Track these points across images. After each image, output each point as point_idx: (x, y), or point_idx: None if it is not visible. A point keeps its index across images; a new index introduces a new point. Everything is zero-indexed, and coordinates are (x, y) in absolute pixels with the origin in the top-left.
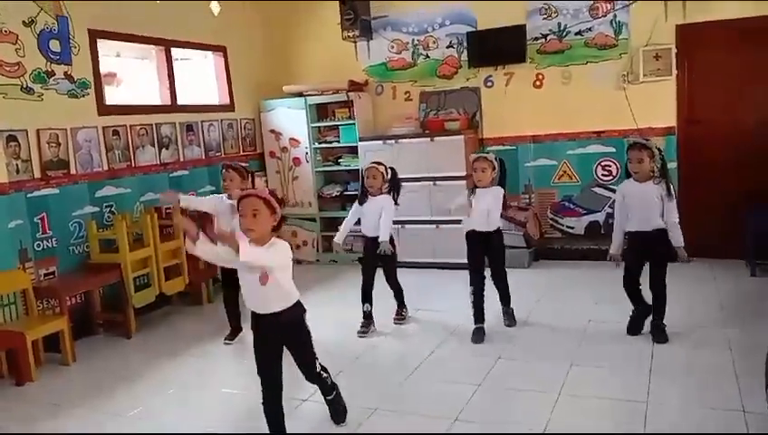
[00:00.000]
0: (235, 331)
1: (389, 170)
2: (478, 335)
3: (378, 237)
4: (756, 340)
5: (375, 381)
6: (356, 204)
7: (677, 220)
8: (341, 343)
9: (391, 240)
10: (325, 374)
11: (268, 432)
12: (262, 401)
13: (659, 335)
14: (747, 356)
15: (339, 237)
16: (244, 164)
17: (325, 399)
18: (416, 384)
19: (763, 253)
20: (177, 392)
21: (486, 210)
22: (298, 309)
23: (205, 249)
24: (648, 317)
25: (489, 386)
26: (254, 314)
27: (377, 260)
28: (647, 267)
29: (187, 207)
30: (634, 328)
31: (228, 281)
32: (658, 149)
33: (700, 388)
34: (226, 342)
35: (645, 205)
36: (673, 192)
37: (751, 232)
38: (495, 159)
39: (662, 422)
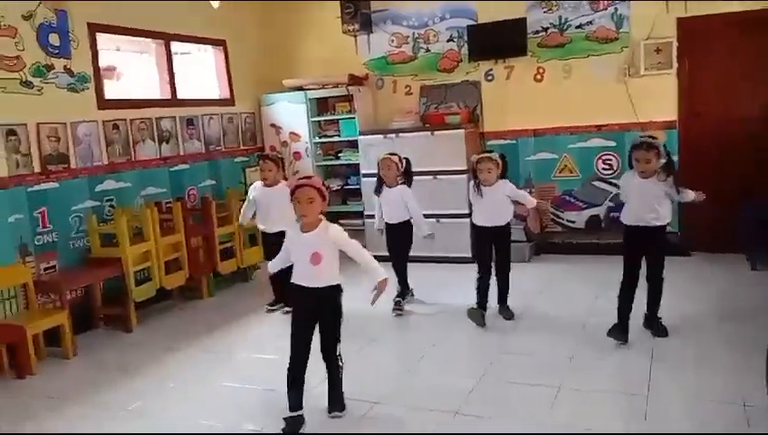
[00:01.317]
0: (279, 299)
1: (404, 160)
2: (478, 316)
3: (397, 223)
4: (756, 334)
5: (376, 374)
6: (376, 197)
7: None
8: (344, 334)
9: (409, 225)
10: (340, 363)
11: (266, 433)
12: (288, 367)
13: (659, 330)
14: (747, 350)
15: (378, 225)
16: (278, 154)
17: (331, 383)
18: (416, 377)
19: (764, 247)
20: (178, 387)
21: (501, 204)
22: (338, 288)
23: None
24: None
25: (490, 379)
26: (299, 287)
27: (402, 243)
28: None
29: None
30: (622, 332)
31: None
32: (664, 146)
33: (700, 381)
34: (269, 309)
35: (645, 200)
36: (679, 187)
37: (751, 226)
38: (499, 156)
39: (662, 415)
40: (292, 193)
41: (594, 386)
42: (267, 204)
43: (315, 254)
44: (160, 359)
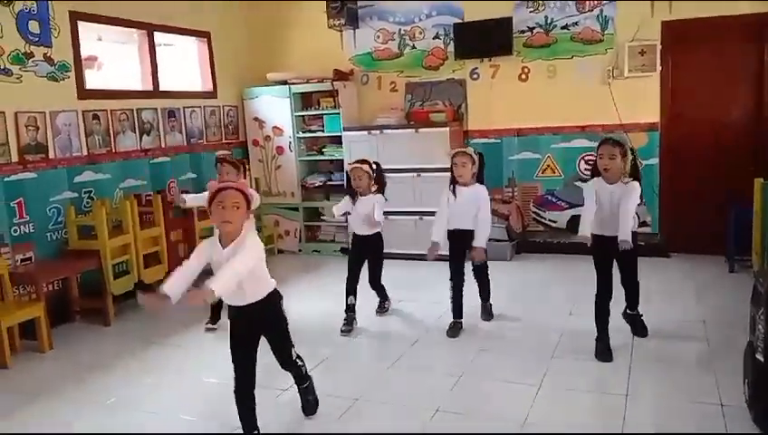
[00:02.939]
0: (215, 315)
1: (374, 166)
2: (455, 330)
3: (368, 235)
4: (734, 335)
5: (356, 372)
6: (349, 200)
7: (632, 213)
8: (323, 333)
9: (380, 238)
10: (300, 363)
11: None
12: (234, 389)
13: (639, 329)
14: (725, 351)
15: (338, 211)
16: (238, 158)
17: (299, 388)
18: (397, 375)
19: (743, 249)
20: (155, 381)
21: (473, 210)
22: (274, 297)
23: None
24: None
25: (469, 378)
26: (230, 307)
27: (364, 256)
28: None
29: (193, 204)
30: (606, 353)
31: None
32: (631, 149)
33: (679, 381)
34: (208, 326)
35: (613, 210)
36: (640, 197)
37: (731, 228)
38: (475, 152)
39: (641, 415)
40: (214, 197)
41: (574, 385)
42: None
43: None
44: (138, 353)
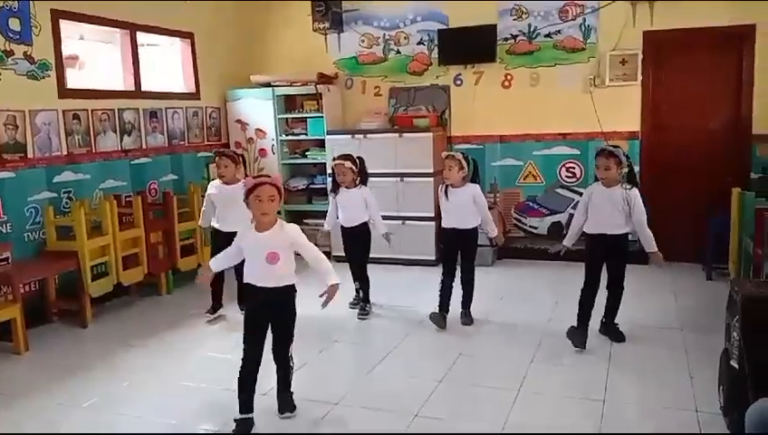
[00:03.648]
0: (217, 306)
1: (357, 161)
2: (438, 319)
3: (355, 226)
4: (711, 342)
5: (337, 375)
6: (332, 197)
7: (645, 223)
8: (305, 336)
9: (366, 228)
10: (292, 362)
11: (222, 433)
12: (240, 368)
13: (617, 335)
14: (702, 358)
15: (327, 226)
16: (237, 151)
17: (281, 384)
18: (378, 379)
19: (720, 257)
20: (133, 384)
21: (467, 209)
22: (292, 290)
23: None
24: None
25: (450, 382)
26: (254, 287)
27: (358, 247)
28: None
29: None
30: (581, 338)
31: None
32: (626, 156)
33: (656, 387)
34: (209, 319)
35: (610, 209)
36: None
37: (709, 237)
38: (465, 158)
39: (618, 420)
40: (251, 190)
41: (553, 390)
42: (224, 202)
43: (272, 253)
44: (115, 355)
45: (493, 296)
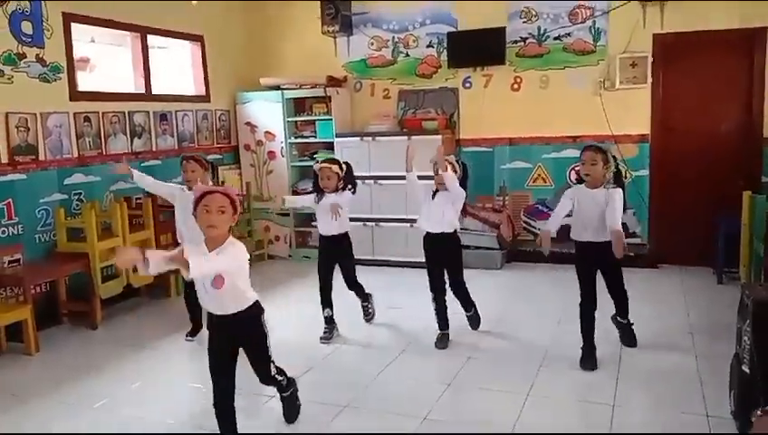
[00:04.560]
0: (197, 327)
1: (344, 166)
2: (443, 341)
3: (336, 235)
4: (721, 347)
5: (344, 379)
6: (312, 199)
7: (619, 211)
8: (312, 339)
9: (348, 237)
10: (281, 377)
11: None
12: (213, 402)
13: (629, 339)
14: (712, 362)
15: (290, 199)
16: (206, 156)
17: (281, 396)
18: (385, 382)
19: (731, 261)
20: (143, 386)
21: (441, 211)
22: (255, 310)
23: (159, 267)
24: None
25: (458, 386)
26: (209, 315)
27: (334, 260)
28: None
29: (139, 183)
30: (591, 362)
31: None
32: (614, 157)
33: (665, 392)
34: (188, 338)
35: (597, 215)
36: (623, 201)
37: (719, 240)
38: (458, 162)
39: (627, 425)
40: (199, 200)
41: (561, 394)
42: (185, 207)
43: (217, 278)
44: (125, 357)
45: (501, 300)
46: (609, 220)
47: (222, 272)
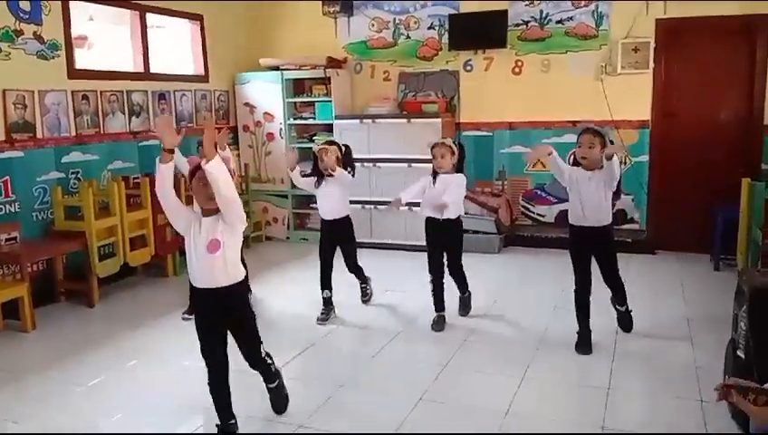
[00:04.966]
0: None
1: (343, 148)
2: (439, 324)
3: (337, 219)
4: (717, 333)
5: (341, 360)
6: (315, 183)
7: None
8: (309, 321)
9: (349, 220)
10: (269, 360)
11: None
12: (207, 380)
13: (626, 323)
14: (708, 349)
15: (294, 175)
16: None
17: (267, 386)
18: (381, 364)
19: (728, 248)
20: (138, 364)
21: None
22: (242, 287)
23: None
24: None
25: (454, 368)
26: (197, 291)
27: (335, 243)
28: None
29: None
30: (586, 346)
31: None
32: (611, 142)
33: (660, 377)
34: (185, 316)
35: (595, 199)
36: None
37: (717, 227)
38: (455, 143)
39: (621, 409)
40: (194, 172)
41: (557, 378)
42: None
43: (214, 241)
44: (121, 336)
45: (499, 284)
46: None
47: (218, 235)
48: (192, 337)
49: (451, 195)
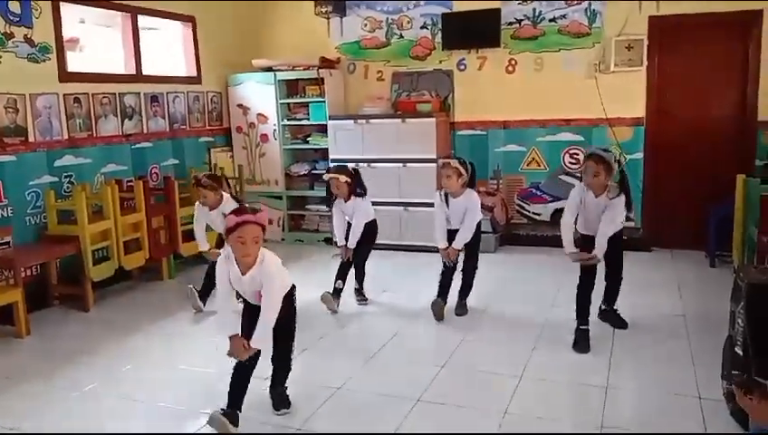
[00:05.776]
0: (206, 293)
1: (353, 173)
2: (437, 306)
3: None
4: (714, 330)
5: (339, 361)
6: (333, 208)
7: (611, 232)
8: (306, 322)
9: (374, 226)
10: (291, 360)
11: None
12: (235, 365)
13: (618, 322)
14: (705, 345)
15: (341, 240)
16: (214, 176)
17: (274, 387)
18: (379, 364)
19: (724, 245)
20: (134, 369)
21: (463, 217)
22: (290, 291)
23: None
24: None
25: (452, 367)
26: (246, 304)
27: (363, 246)
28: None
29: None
30: (583, 345)
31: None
32: (618, 162)
33: (658, 374)
34: (191, 286)
35: (594, 218)
36: (626, 208)
37: (712, 224)
38: (462, 162)
39: (620, 407)
40: (233, 230)
41: (555, 376)
42: (211, 224)
43: (257, 293)
44: (116, 340)
45: (495, 283)
46: (601, 226)
47: (261, 290)
48: (187, 340)
49: (471, 226)
